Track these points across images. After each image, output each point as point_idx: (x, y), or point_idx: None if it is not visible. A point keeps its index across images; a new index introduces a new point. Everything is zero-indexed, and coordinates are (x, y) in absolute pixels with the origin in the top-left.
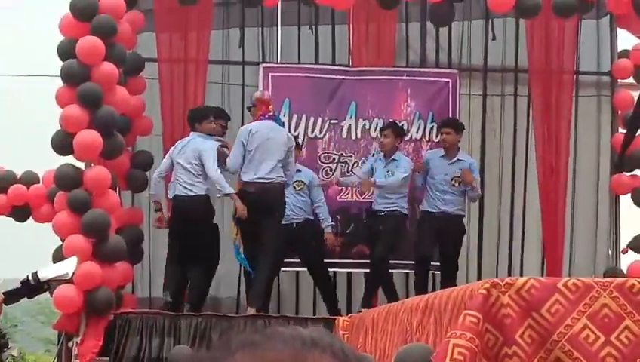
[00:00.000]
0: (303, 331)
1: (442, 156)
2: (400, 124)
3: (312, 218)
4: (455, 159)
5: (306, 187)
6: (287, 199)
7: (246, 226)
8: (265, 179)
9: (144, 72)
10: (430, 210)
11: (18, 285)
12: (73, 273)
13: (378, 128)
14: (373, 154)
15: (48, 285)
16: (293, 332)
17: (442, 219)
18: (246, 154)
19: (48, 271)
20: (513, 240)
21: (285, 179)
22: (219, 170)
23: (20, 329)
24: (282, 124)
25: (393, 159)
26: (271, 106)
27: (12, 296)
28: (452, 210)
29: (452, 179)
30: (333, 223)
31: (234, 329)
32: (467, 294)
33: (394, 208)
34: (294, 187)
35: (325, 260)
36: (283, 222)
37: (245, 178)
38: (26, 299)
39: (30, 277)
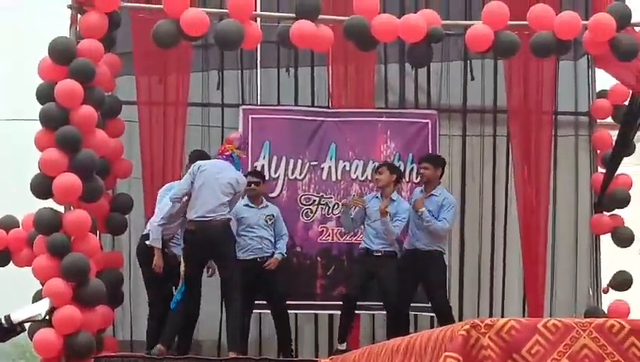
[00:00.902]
0: None
1: (421, 191)
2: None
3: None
4: (429, 194)
5: (275, 220)
6: (258, 233)
7: (193, 267)
8: (205, 217)
9: (123, 115)
10: (407, 246)
11: None
12: (46, 313)
13: (359, 170)
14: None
15: (22, 327)
16: None
17: (412, 256)
18: (192, 192)
19: (21, 313)
20: (494, 280)
21: (229, 217)
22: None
23: None
24: (238, 166)
25: (392, 199)
26: (230, 145)
27: None
28: (421, 246)
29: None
30: (285, 255)
31: None
32: (447, 335)
33: (391, 249)
34: (266, 221)
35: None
36: (250, 256)
37: (188, 216)
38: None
39: (3, 320)
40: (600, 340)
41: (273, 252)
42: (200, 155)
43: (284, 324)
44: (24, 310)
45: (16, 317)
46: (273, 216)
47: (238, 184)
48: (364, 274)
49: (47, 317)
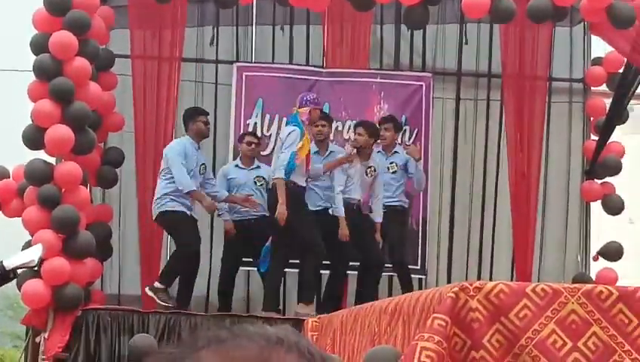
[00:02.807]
0: (269, 329)
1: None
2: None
3: (267, 214)
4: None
5: (266, 183)
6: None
7: None
8: None
9: (116, 69)
10: None
11: None
12: (39, 260)
13: (351, 130)
14: None
15: (15, 274)
16: (259, 330)
17: None
18: None
19: (14, 259)
20: (483, 244)
21: None
22: None
23: None
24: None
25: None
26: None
27: None
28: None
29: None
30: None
31: (201, 327)
32: (436, 297)
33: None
34: (255, 182)
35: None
36: (237, 217)
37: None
38: None
39: None
40: (588, 306)
41: (263, 215)
42: (194, 112)
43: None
44: (17, 257)
45: (9, 264)
46: (264, 178)
47: None
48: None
49: (39, 264)
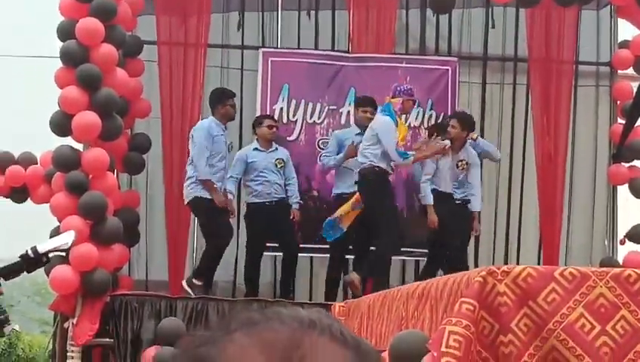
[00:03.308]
0: (302, 312)
1: None
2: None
3: (285, 196)
4: None
5: (284, 164)
6: (267, 177)
7: None
8: None
9: (143, 55)
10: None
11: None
12: (72, 243)
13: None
14: None
15: (47, 258)
16: (292, 312)
17: None
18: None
19: (47, 244)
20: (510, 229)
21: None
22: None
23: (16, 309)
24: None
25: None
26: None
27: (11, 271)
28: None
29: None
30: (301, 201)
31: (232, 311)
32: (463, 282)
33: None
34: (276, 165)
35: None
36: (258, 200)
37: None
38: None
39: (29, 251)
40: (617, 289)
41: (283, 197)
42: (222, 94)
43: (292, 270)
44: (50, 241)
45: (42, 248)
46: (283, 160)
47: None
48: None
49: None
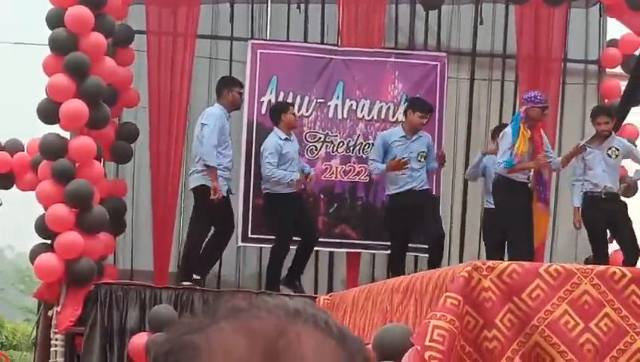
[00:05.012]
0: (288, 302)
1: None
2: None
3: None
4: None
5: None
6: (298, 165)
7: None
8: None
9: (134, 44)
10: None
11: None
12: None
13: (365, 109)
14: None
15: None
16: (278, 302)
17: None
18: None
19: None
20: None
21: None
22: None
23: (0, 297)
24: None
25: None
26: None
27: None
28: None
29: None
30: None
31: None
32: (448, 276)
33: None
34: (299, 153)
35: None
36: (291, 190)
37: None
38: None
39: None
40: (601, 287)
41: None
42: (231, 82)
43: (305, 262)
44: None
45: None
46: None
47: None
48: None
49: None
